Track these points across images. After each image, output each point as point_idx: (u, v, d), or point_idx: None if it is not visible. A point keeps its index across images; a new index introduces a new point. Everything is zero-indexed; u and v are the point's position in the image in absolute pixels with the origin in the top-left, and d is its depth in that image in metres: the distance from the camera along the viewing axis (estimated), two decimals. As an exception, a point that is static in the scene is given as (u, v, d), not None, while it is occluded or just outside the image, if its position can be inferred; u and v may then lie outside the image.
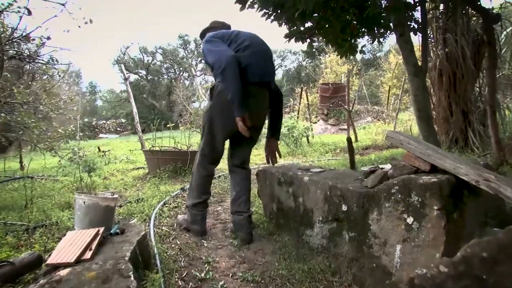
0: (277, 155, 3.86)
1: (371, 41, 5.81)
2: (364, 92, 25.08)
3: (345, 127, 13.74)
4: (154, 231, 3.63)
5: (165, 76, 45.01)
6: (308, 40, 5.70)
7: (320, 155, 8.48)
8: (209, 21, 3.87)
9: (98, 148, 10.44)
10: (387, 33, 5.23)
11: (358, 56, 44.17)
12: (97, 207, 2.88)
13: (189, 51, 45.09)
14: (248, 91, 3.27)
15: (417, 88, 4.37)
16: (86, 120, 34.96)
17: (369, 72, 39.67)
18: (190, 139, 7.10)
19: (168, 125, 7.83)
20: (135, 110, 10.43)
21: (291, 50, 48.53)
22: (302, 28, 5.46)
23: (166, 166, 6.24)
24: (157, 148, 6.62)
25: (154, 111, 41.56)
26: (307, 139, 9.90)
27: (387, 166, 3.76)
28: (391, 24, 5.08)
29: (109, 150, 10.55)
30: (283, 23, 5.13)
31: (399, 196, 2.55)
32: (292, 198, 3.46)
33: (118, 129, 40.33)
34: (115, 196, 3.04)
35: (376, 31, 5.12)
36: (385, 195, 2.63)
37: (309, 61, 44.79)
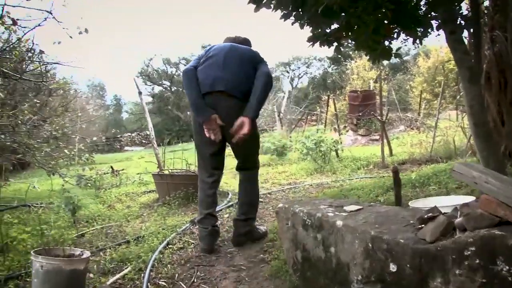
0: (242, 134, 3.40)
1: (406, 43, 5.01)
2: (393, 98, 24.04)
3: (377, 137, 12.82)
4: (147, 289, 2.88)
5: (189, 87, 44.61)
6: (336, 44, 4.92)
7: (352, 171, 7.62)
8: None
9: (111, 167, 9.80)
10: (430, 32, 4.39)
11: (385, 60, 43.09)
12: (60, 272, 2.13)
13: (212, 61, 44.57)
14: (206, 102, 3.47)
15: (473, 97, 3.51)
16: (112, 131, 35.02)
17: (396, 76, 38.56)
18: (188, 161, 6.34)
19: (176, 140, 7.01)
20: (150, 125, 9.75)
21: (316, 56, 47.62)
22: (327, 30, 4.69)
23: (177, 192, 5.50)
24: (166, 171, 5.90)
25: (179, 122, 41.24)
26: (337, 153, 9.05)
27: (442, 200, 2.93)
28: (433, 22, 4.27)
29: (123, 169, 9.89)
30: (305, 24, 4.34)
31: (477, 261, 1.76)
32: (322, 247, 2.66)
33: (143, 141, 40.15)
34: (85, 255, 2.29)
35: (418, 30, 4.29)
36: (454, 257, 1.84)
37: (335, 67, 43.81)
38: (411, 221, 2.36)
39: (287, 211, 3.01)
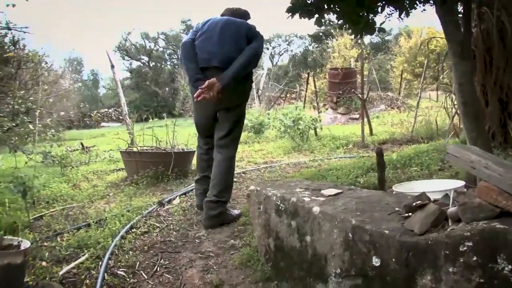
0: (208, 93, 3.39)
1: (390, 17, 4.71)
2: (374, 77, 23.84)
3: (356, 116, 12.60)
4: (103, 280, 2.59)
5: (168, 63, 43.85)
6: (316, 16, 4.62)
7: (331, 151, 7.37)
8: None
9: (81, 144, 9.38)
10: (417, 3, 4.10)
11: (367, 39, 42.92)
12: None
13: (192, 36, 43.82)
14: (204, 76, 3.50)
15: (462, 74, 3.24)
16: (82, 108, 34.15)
17: (377, 56, 38.41)
18: (176, 136, 5.99)
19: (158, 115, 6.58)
20: (123, 100, 9.41)
21: (297, 34, 47.16)
22: (308, 0, 4.38)
23: (146, 171, 5.18)
24: (135, 149, 5.55)
25: (157, 98, 40.50)
26: (315, 132, 8.78)
27: (428, 184, 2.70)
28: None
29: (93, 146, 9.49)
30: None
31: (474, 258, 1.54)
32: (297, 236, 2.39)
33: (120, 117, 39.36)
34: (23, 246, 1.97)
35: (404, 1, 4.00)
36: (448, 252, 1.61)
37: (316, 45, 43.44)
38: (396, 208, 2.12)
39: (259, 195, 2.73)
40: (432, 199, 2.05)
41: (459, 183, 2.68)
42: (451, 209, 1.74)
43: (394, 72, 28.97)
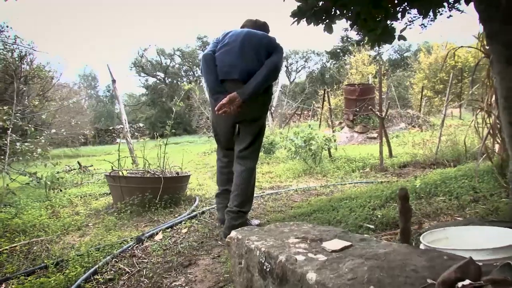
0: (226, 107, 3.40)
1: (412, 24, 4.09)
2: (393, 94, 23.08)
3: (374, 135, 11.82)
4: None
5: (184, 79, 43.61)
6: (327, 21, 3.98)
7: (345, 175, 6.63)
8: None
9: (78, 163, 8.81)
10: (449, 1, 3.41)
11: (385, 55, 42.22)
12: None
13: (208, 52, 43.70)
14: (224, 88, 3.51)
15: (510, 85, 2.53)
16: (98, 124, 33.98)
17: (396, 73, 37.65)
18: (169, 159, 5.31)
19: (169, 131, 5.78)
20: (124, 117, 8.82)
21: (314, 51, 46.68)
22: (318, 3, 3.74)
23: (131, 198, 4.53)
24: (122, 172, 4.91)
25: (174, 115, 40.03)
26: (329, 153, 8.07)
27: (468, 233, 2.00)
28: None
29: (91, 165, 8.90)
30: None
31: None
32: (286, 309, 1.71)
33: (136, 133, 39.13)
34: None
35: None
36: None
37: (334, 62, 42.85)
38: (430, 281, 1.42)
39: (240, 245, 2.05)
40: (481, 266, 1.37)
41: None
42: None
43: (414, 89, 28.20)
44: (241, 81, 3.47)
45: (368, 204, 4.08)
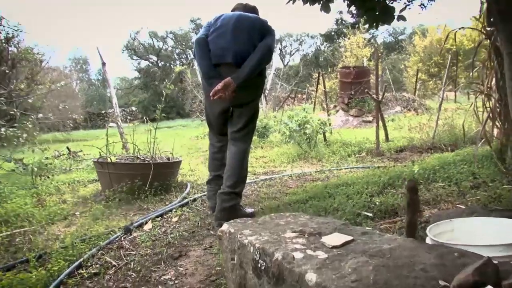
0: (221, 93, 3.37)
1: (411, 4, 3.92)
2: (388, 77, 22.90)
3: (370, 118, 11.69)
4: None
5: (177, 62, 43.20)
6: (324, 0, 3.81)
7: (341, 159, 6.48)
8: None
9: (68, 148, 8.61)
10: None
11: (380, 38, 41.96)
12: None
13: (201, 35, 43.24)
14: (218, 72, 3.48)
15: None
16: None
17: (391, 56, 37.45)
18: (160, 144, 5.13)
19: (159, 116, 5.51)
20: (115, 100, 8.71)
21: (308, 34, 46.30)
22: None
23: (120, 185, 4.36)
24: (111, 158, 4.73)
25: (166, 99, 39.76)
26: (324, 137, 7.91)
27: (475, 226, 1.86)
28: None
29: (80, 151, 8.70)
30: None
31: None
32: (283, 310, 1.56)
33: (129, 117, 38.80)
34: None
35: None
36: None
37: (328, 45, 42.54)
38: (442, 283, 1.28)
39: (232, 240, 1.90)
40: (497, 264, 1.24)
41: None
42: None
43: (408, 72, 28.07)
44: (235, 64, 3.45)
45: (366, 190, 3.95)
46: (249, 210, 3.76)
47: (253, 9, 3.91)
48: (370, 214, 3.34)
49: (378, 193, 3.89)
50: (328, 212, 3.43)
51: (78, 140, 18.23)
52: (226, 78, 3.38)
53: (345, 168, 5.74)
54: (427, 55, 25.63)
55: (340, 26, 39.82)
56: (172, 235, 3.34)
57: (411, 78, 26.47)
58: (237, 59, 3.46)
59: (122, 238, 3.32)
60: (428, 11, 3.47)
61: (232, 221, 2.09)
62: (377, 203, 3.56)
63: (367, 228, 1.96)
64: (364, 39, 27.02)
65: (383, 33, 43.36)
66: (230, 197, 3.47)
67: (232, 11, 3.86)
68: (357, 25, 27.35)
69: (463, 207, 3.25)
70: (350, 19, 35.60)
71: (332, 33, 41.66)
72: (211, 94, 3.39)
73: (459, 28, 4.75)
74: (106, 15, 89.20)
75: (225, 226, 2.00)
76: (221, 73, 3.45)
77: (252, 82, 3.54)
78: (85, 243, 3.15)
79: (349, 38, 26.50)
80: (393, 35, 44.37)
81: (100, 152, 5.00)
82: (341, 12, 37.86)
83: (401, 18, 3.94)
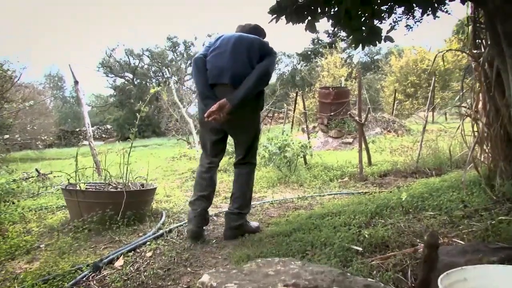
0: (216, 114, 3.36)
1: (397, 24, 3.77)
2: (365, 97, 23.01)
3: (350, 140, 11.55)
4: None
5: (153, 80, 42.80)
6: (309, 19, 3.62)
7: (323, 184, 6.26)
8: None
9: (37, 170, 8.20)
10: None
11: (355, 58, 42.38)
12: None
13: (178, 53, 42.91)
14: (214, 92, 3.51)
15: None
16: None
17: (367, 76, 37.78)
18: (132, 172, 4.82)
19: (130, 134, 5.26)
20: (87, 120, 8.28)
21: (285, 52, 46.46)
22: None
23: (90, 215, 4.04)
24: (83, 186, 4.40)
25: (142, 117, 39.19)
26: (305, 160, 7.70)
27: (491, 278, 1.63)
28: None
29: (50, 173, 8.29)
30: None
31: None
32: None
33: (103, 135, 38.15)
34: None
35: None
36: None
37: (305, 64, 42.76)
38: None
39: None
40: None
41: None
42: None
43: (385, 92, 28.29)
44: (232, 85, 3.44)
45: (353, 221, 3.72)
46: (254, 224, 3.87)
47: (255, 29, 3.91)
48: (360, 249, 3.10)
49: (366, 224, 3.66)
50: (315, 247, 3.17)
51: (51, 158, 17.70)
52: (221, 99, 3.37)
53: (328, 194, 5.52)
54: (403, 75, 25.87)
55: (317, 46, 40.12)
56: (145, 273, 3.03)
57: (387, 98, 26.67)
58: (234, 80, 3.44)
59: (90, 277, 2.99)
60: (400, 31, 3.39)
61: (214, 270, 1.83)
62: (366, 235, 3.32)
63: (369, 279, 1.72)
64: (341, 58, 27.23)
65: (359, 53, 43.86)
66: (238, 217, 3.65)
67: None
68: (333, 45, 27.53)
69: (461, 242, 3.03)
70: (326, 39, 35.88)
71: (309, 52, 41.92)
72: (205, 115, 3.37)
73: (447, 50, 4.63)
74: (86, 30, 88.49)
75: (205, 278, 1.74)
76: (218, 94, 3.46)
77: (248, 105, 3.52)
78: (47, 285, 2.83)
79: (326, 58, 26.66)
80: (368, 55, 44.90)
81: (68, 179, 4.65)
82: (317, 32, 38.18)
83: (388, 38, 3.76)
